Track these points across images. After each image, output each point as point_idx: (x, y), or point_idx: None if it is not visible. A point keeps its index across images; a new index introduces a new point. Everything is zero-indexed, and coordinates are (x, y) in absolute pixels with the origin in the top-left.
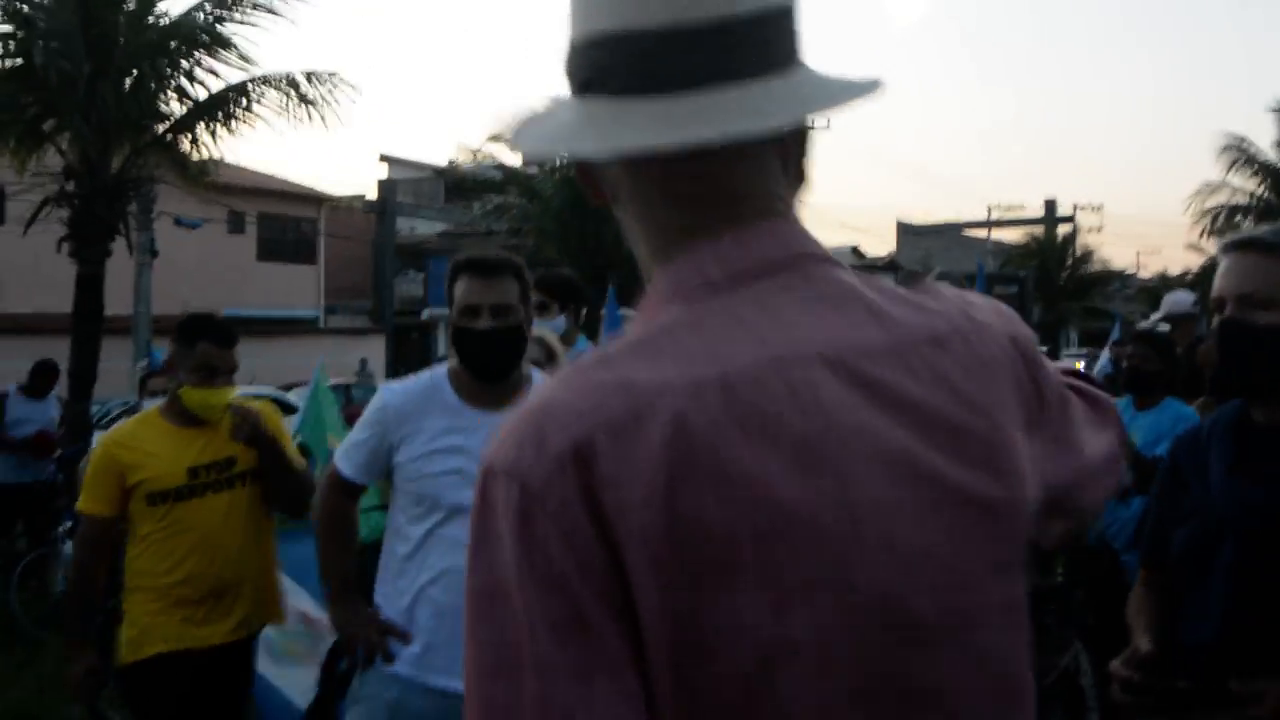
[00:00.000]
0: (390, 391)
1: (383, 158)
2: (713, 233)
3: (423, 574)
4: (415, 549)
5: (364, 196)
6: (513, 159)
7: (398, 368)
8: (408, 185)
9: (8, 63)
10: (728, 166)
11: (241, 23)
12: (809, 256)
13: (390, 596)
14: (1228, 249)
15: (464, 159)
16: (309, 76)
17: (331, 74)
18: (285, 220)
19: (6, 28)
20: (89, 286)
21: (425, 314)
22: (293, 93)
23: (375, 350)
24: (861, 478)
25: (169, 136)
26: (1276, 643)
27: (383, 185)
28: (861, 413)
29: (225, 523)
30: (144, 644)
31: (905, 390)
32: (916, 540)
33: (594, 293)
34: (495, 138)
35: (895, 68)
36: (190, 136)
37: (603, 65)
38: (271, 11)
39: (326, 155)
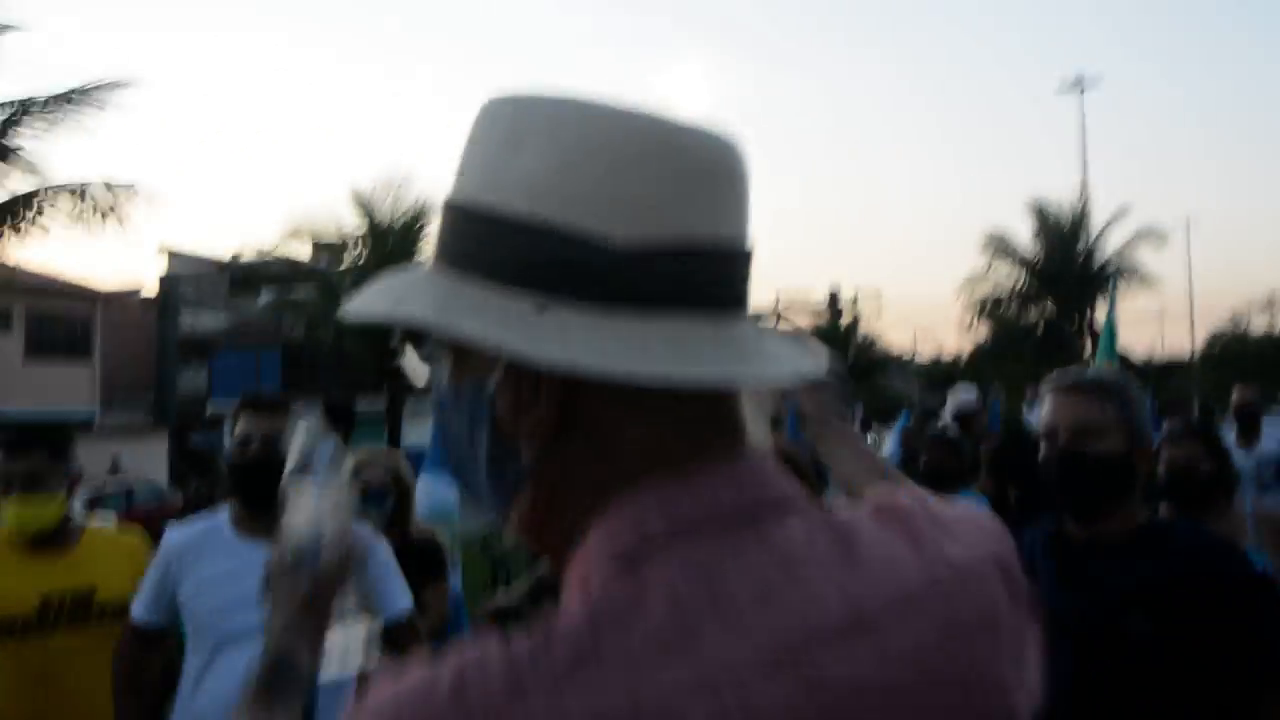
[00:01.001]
0: (170, 535)
1: (164, 250)
2: (683, 475)
3: (202, 703)
4: (196, 679)
5: (139, 291)
6: (301, 253)
7: (181, 465)
8: (190, 279)
9: None
10: (734, 400)
11: (32, 136)
12: (761, 503)
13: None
14: (1056, 390)
15: (248, 253)
16: (106, 186)
17: (129, 185)
18: (56, 317)
19: None
20: None
21: (210, 409)
22: (86, 201)
23: (157, 448)
24: None
25: None
26: None
27: (165, 279)
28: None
29: (74, 666)
30: None
31: (863, 680)
32: None
33: (399, 387)
34: (296, 233)
35: None
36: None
37: (677, 277)
38: (58, 124)
39: (100, 248)
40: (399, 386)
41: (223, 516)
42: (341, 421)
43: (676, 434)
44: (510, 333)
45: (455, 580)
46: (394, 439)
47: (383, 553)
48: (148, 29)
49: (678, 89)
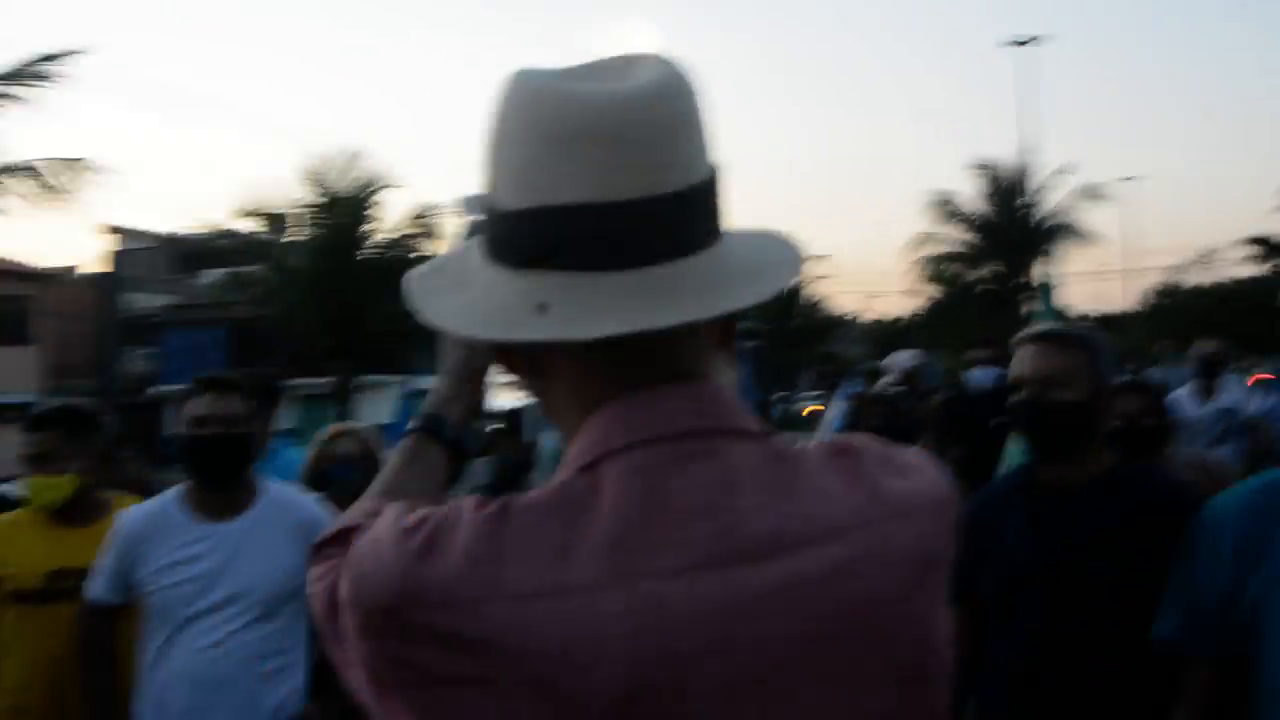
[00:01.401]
0: (125, 515)
1: (105, 228)
2: (638, 396)
3: (164, 677)
4: (158, 655)
5: (74, 269)
6: (249, 227)
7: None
8: (132, 257)
9: None
10: (674, 335)
11: None
12: (720, 429)
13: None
14: (1025, 341)
15: (193, 228)
16: (55, 162)
17: (79, 159)
18: None
19: None
20: None
21: (155, 391)
22: (37, 181)
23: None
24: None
25: None
26: (1077, 681)
27: (110, 257)
28: (711, 626)
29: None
30: None
31: (770, 596)
32: None
33: (348, 359)
34: (249, 213)
35: None
36: None
37: (561, 238)
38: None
39: (39, 226)
40: (349, 364)
41: (174, 496)
42: (266, 395)
43: (602, 373)
44: (511, 327)
45: None
46: (344, 417)
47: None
48: None
49: (616, 46)
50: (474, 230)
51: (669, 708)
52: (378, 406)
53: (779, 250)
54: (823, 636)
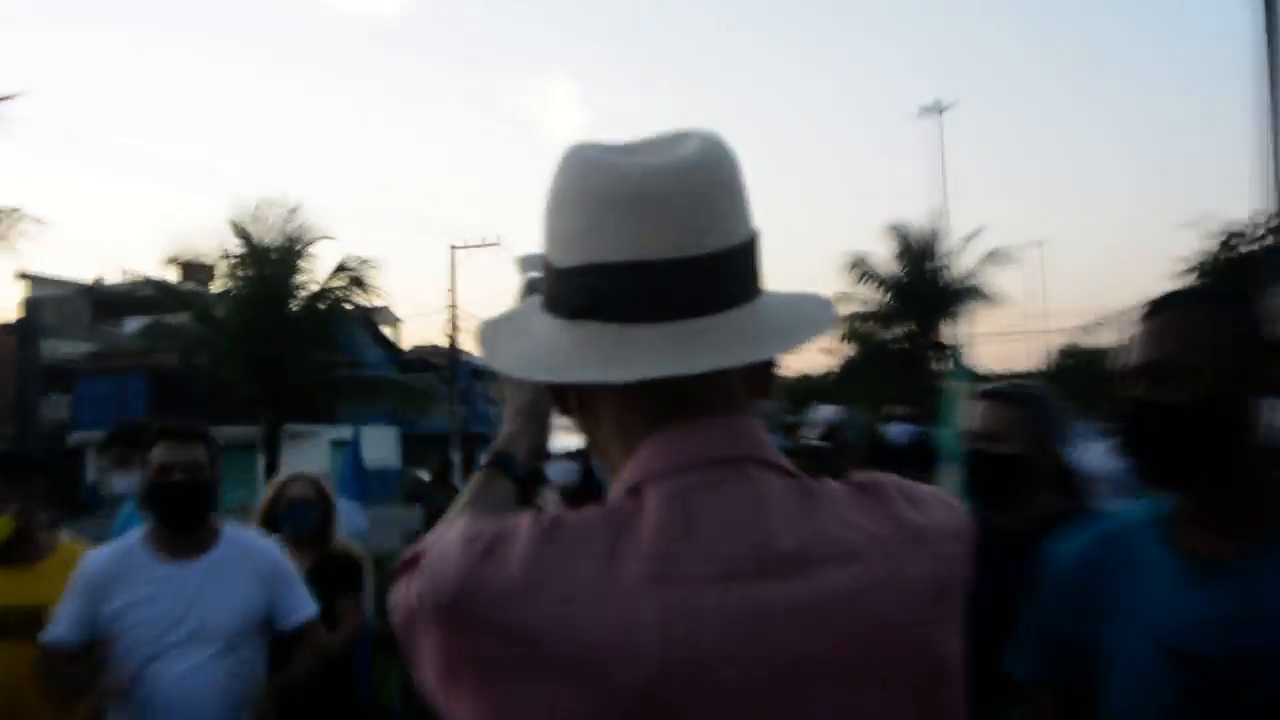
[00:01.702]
0: (90, 559)
1: (23, 275)
2: (678, 429)
3: (133, 713)
4: (126, 690)
5: None
6: (173, 276)
7: (50, 496)
8: (51, 304)
9: None
10: (707, 379)
11: None
12: (751, 458)
13: None
14: (977, 398)
15: (112, 277)
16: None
17: (14, 209)
18: None
19: None
20: None
21: (74, 438)
22: None
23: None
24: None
25: None
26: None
27: (28, 304)
28: (737, 632)
29: (26, 679)
30: None
31: (794, 608)
32: None
33: (275, 409)
34: (174, 261)
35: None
36: None
37: (604, 293)
38: None
39: None
40: (276, 413)
41: (135, 539)
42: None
43: (642, 412)
44: (560, 370)
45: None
46: (271, 466)
47: (288, 566)
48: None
49: (550, 104)
50: (530, 286)
51: (693, 704)
52: (304, 455)
53: (814, 309)
54: (839, 652)
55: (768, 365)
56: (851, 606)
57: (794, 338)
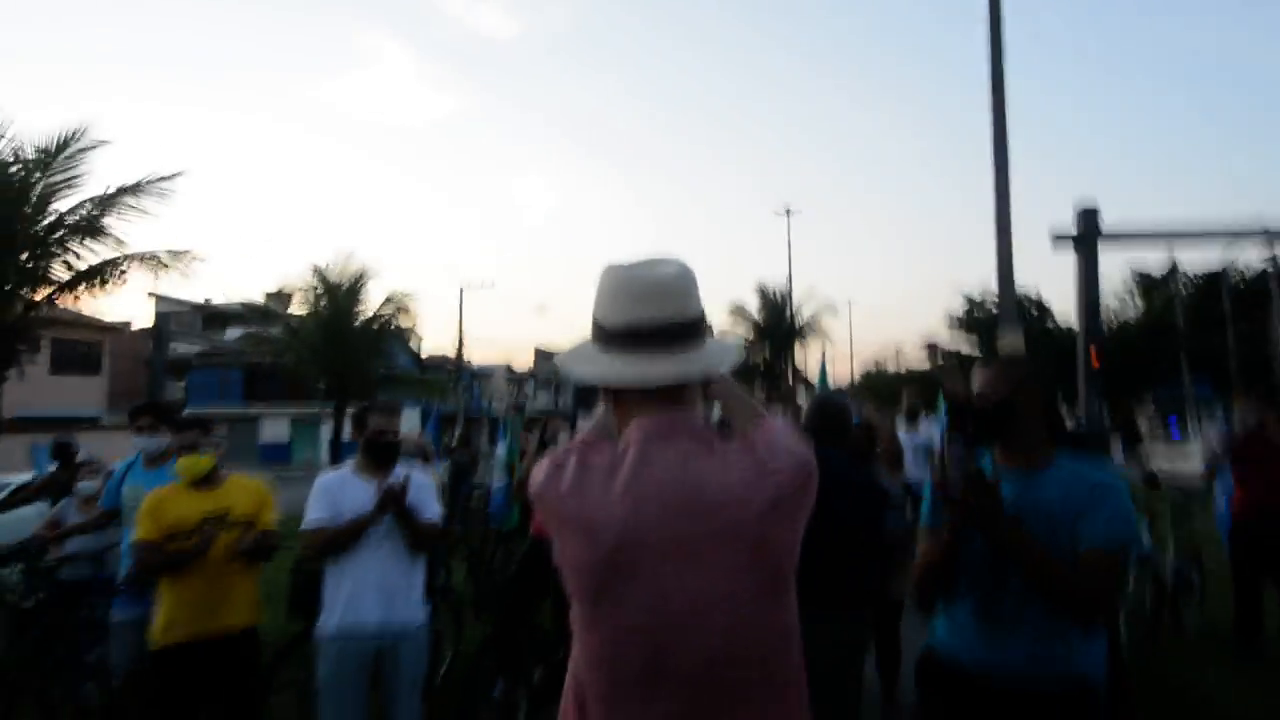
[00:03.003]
0: (324, 478)
1: (153, 295)
2: (644, 411)
3: (349, 583)
4: (340, 568)
5: (130, 324)
6: (261, 299)
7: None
8: (173, 317)
9: None
10: (667, 387)
11: (119, 217)
12: (685, 432)
13: (331, 593)
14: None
15: (219, 298)
16: (170, 253)
17: (185, 251)
18: (74, 342)
19: None
20: None
21: (186, 413)
22: (158, 265)
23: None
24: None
25: (55, 297)
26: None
27: (157, 316)
28: (673, 522)
29: (221, 552)
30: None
31: (694, 501)
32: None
33: (338, 395)
34: (277, 295)
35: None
36: (74, 296)
37: (616, 337)
38: (137, 209)
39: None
40: (339, 398)
41: (347, 467)
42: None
43: (637, 408)
44: (570, 365)
45: None
46: (336, 435)
47: (428, 483)
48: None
49: (527, 188)
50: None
51: (636, 554)
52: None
53: (730, 350)
54: (711, 530)
55: (709, 378)
56: (722, 509)
57: (713, 364)
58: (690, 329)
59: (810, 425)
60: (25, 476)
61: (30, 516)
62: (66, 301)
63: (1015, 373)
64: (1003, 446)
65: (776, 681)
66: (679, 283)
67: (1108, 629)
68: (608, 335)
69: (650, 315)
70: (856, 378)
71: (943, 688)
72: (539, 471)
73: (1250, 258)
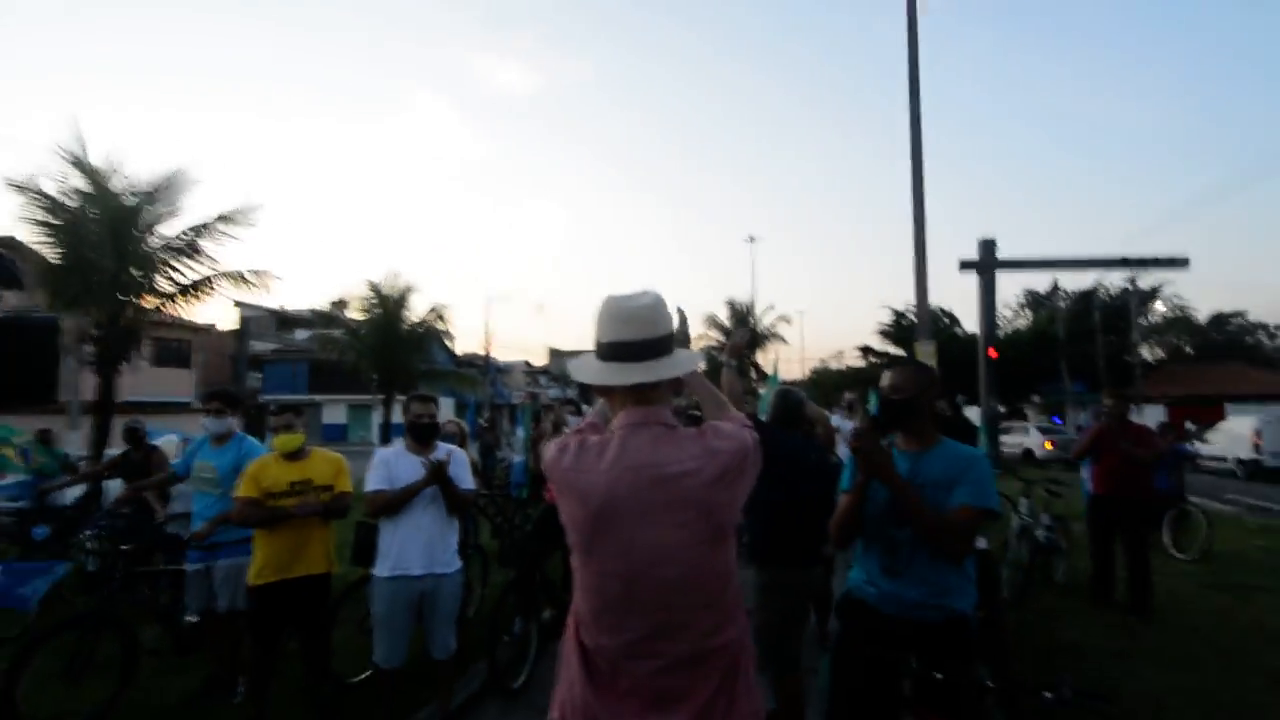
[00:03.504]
0: (381, 452)
1: (236, 302)
2: (629, 405)
3: (400, 534)
4: (395, 523)
5: (215, 326)
6: (319, 304)
7: (249, 433)
8: (252, 320)
9: (57, 259)
10: (645, 387)
11: (212, 241)
12: (656, 422)
13: (385, 544)
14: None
15: (290, 305)
16: (254, 272)
17: (266, 271)
18: (170, 339)
19: (53, 222)
20: (107, 389)
21: (260, 399)
22: (241, 281)
23: (230, 426)
24: (633, 510)
25: (159, 306)
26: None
27: (241, 319)
28: (642, 489)
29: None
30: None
31: (632, 494)
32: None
33: (387, 387)
34: (339, 303)
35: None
36: (177, 305)
37: (606, 350)
38: (226, 234)
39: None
40: (387, 389)
41: (400, 445)
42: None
43: (622, 401)
44: (572, 371)
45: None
46: (387, 420)
47: (464, 458)
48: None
49: (540, 211)
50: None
51: (615, 515)
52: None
53: (693, 359)
54: (671, 499)
55: (678, 379)
56: (681, 481)
57: (679, 370)
58: (659, 345)
59: (774, 414)
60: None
61: (115, 489)
62: (169, 309)
63: (920, 378)
64: (904, 432)
65: (716, 607)
66: (651, 312)
67: (988, 578)
68: (602, 350)
69: (630, 336)
70: (806, 375)
71: (856, 620)
72: (549, 450)
73: (1115, 279)
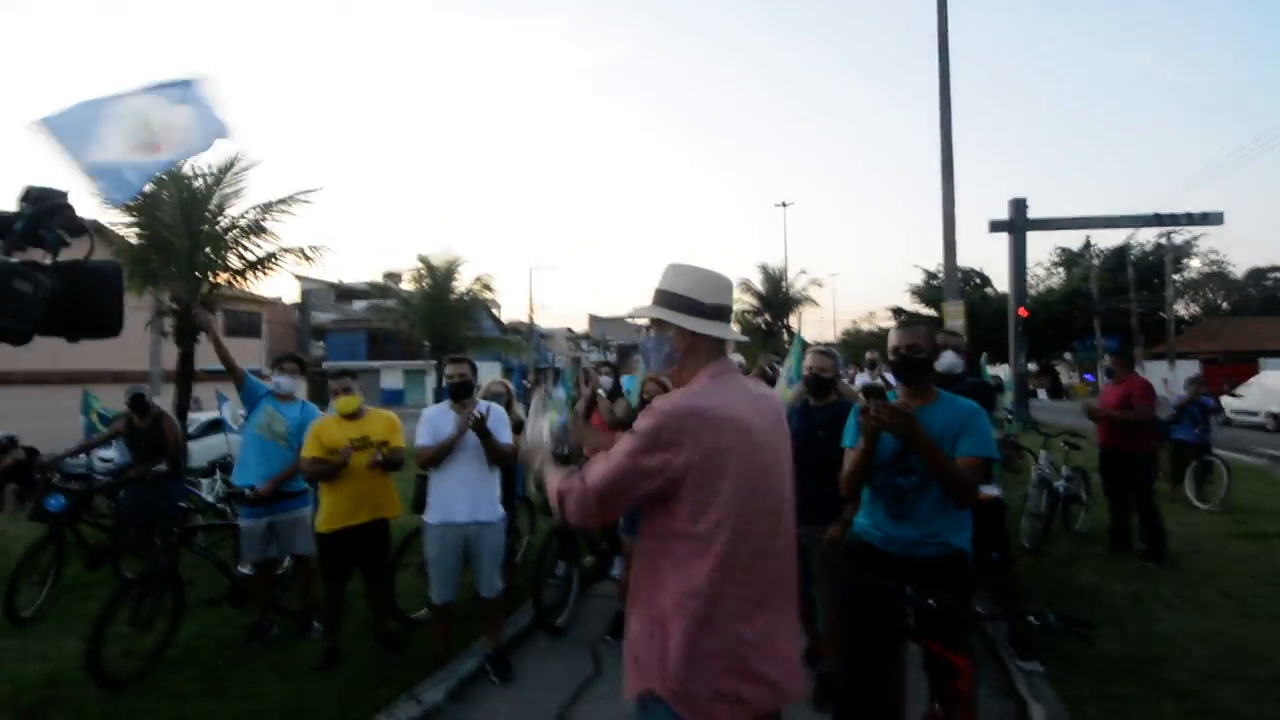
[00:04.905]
0: (429, 411)
1: (298, 276)
2: (717, 358)
3: (444, 485)
4: (438, 476)
5: (281, 298)
6: (374, 276)
7: (312, 398)
8: (313, 292)
9: (138, 240)
10: (728, 343)
11: (275, 220)
12: (735, 370)
13: (434, 494)
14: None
15: (346, 278)
16: (313, 247)
17: (326, 247)
18: (241, 312)
19: (134, 216)
20: (187, 359)
21: (324, 366)
22: (302, 256)
23: (298, 387)
24: (754, 446)
25: (230, 280)
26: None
27: (303, 292)
28: (754, 420)
29: (367, 468)
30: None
31: (760, 417)
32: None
33: (438, 353)
34: (392, 276)
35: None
36: (245, 280)
37: (713, 310)
38: (288, 213)
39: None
40: (438, 355)
41: (446, 403)
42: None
43: (710, 352)
44: (679, 321)
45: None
46: (439, 383)
47: (502, 414)
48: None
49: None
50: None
51: (746, 430)
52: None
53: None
54: (775, 438)
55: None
56: (772, 413)
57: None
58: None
59: (808, 381)
60: (213, 414)
61: (217, 444)
62: (238, 283)
63: (930, 337)
64: (912, 387)
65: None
66: (729, 282)
67: (999, 522)
68: (706, 310)
69: (729, 302)
70: (838, 337)
71: (863, 558)
72: (674, 404)
73: (1149, 235)
